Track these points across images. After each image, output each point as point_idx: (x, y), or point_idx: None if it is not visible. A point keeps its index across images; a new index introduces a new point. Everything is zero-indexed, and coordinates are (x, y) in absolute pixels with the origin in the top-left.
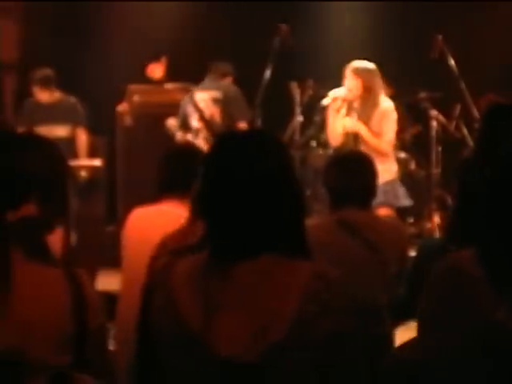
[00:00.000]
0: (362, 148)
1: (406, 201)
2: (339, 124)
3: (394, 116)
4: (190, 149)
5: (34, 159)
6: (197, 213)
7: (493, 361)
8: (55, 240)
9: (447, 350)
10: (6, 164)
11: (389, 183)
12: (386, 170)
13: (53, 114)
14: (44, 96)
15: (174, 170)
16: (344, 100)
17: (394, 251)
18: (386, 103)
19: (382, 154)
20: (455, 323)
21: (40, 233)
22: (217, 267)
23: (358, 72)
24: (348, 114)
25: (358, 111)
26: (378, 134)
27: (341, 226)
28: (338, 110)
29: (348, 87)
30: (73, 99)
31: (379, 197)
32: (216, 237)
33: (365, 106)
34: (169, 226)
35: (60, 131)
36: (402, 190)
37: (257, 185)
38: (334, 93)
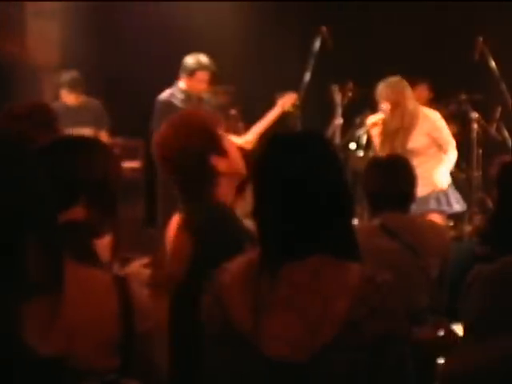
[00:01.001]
0: (415, 159)
1: (458, 206)
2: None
3: (442, 122)
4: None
5: (86, 162)
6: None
7: None
8: (103, 244)
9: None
10: (57, 166)
11: (441, 190)
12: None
13: (78, 116)
14: (70, 99)
15: None
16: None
17: (435, 255)
18: (431, 114)
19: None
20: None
21: (89, 236)
22: (266, 267)
23: (390, 90)
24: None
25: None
26: (438, 146)
27: (383, 231)
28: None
29: (385, 110)
30: (96, 102)
31: (432, 203)
32: (266, 237)
33: (397, 123)
34: None
35: (84, 134)
36: (454, 196)
37: (308, 186)
38: (372, 119)
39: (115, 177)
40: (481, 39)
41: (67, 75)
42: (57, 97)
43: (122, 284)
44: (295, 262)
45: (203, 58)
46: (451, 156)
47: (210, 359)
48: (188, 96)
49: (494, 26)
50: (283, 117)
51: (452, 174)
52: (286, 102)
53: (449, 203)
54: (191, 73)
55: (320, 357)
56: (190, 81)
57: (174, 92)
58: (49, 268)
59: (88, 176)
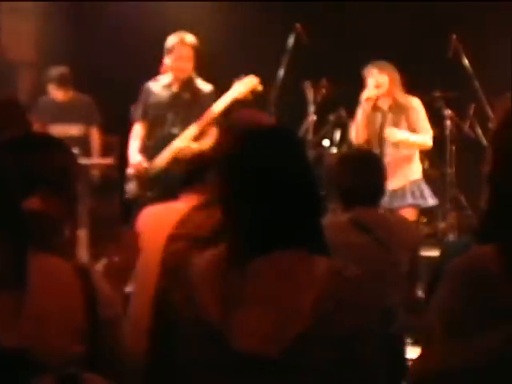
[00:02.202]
0: (388, 145)
1: (432, 200)
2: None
3: (424, 113)
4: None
5: (43, 160)
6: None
7: None
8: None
9: (478, 356)
10: (14, 163)
11: (415, 183)
12: (412, 170)
13: (67, 112)
14: (59, 94)
15: (191, 168)
16: (376, 99)
17: (405, 251)
18: (414, 100)
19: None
20: (480, 326)
21: (48, 227)
22: (236, 262)
23: (384, 68)
24: (374, 112)
25: (383, 111)
26: (414, 131)
27: (354, 225)
28: (369, 111)
29: (377, 83)
30: (87, 98)
31: (407, 198)
32: (235, 232)
33: (391, 104)
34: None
35: (74, 130)
36: (427, 190)
37: (276, 181)
38: (368, 93)
39: (73, 175)
40: (455, 37)
41: (55, 71)
42: (40, 93)
43: (84, 273)
44: (264, 256)
45: (185, 35)
46: (426, 138)
47: (182, 354)
48: (171, 83)
49: (468, 23)
50: (241, 102)
51: (426, 170)
52: (243, 86)
53: (423, 196)
54: (171, 50)
55: (290, 350)
56: (172, 60)
57: (161, 77)
58: (13, 261)
59: (45, 174)
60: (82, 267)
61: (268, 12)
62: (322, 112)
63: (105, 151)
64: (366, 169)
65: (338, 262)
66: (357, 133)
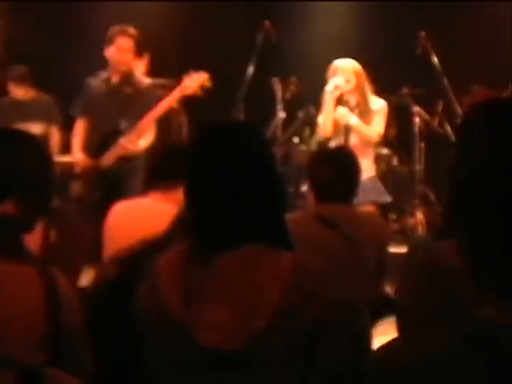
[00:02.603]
0: (352, 140)
1: (387, 197)
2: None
3: (384, 114)
4: (173, 142)
5: (19, 158)
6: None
7: (486, 360)
8: (35, 239)
9: (432, 351)
10: None
11: (370, 180)
12: (367, 167)
13: (27, 111)
14: (19, 93)
15: (157, 164)
16: (342, 90)
17: (372, 246)
18: (379, 101)
19: (367, 146)
20: (438, 321)
21: (17, 231)
22: (199, 257)
23: (353, 66)
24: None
25: (350, 106)
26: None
27: (318, 221)
28: (336, 99)
29: (346, 79)
30: (48, 97)
31: (362, 194)
32: (198, 226)
33: (358, 101)
34: (150, 220)
35: (34, 129)
36: (381, 187)
37: (237, 175)
38: (337, 81)
39: (48, 174)
40: (423, 34)
41: (15, 69)
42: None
43: (49, 279)
44: (227, 250)
45: (127, 27)
46: (373, 132)
47: (146, 349)
48: (110, 76)
49: (437, 21)
50: (189, 98)
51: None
52: (192, 82)
53: (378, 193)
54: (111, 40)
55: (254, 345)
56: (112, 51)
57: (101, 72)
58: None
59: (19, 173)
60: (47, 273)
61: (237, 8)
62: (291, 109)
63: (66, 150)
64: (341, 165)
65: (302, 256)
66: (324, 124)
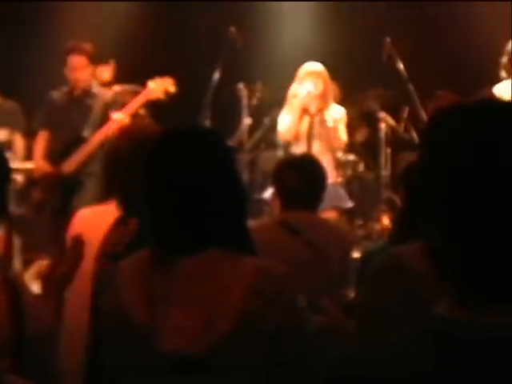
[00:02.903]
0: (315, 147)
1: (348, 203)
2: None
3: (345, 121)
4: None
5: None
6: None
7: (435, 353)
8: None
9: (387, 346)
10: None
11: (331, 186)
12: (329, 174)
13: None
14: None
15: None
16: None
17: (335, 252)
18: (339, 108)
19: (330, 152)
20: (396, 320)
21: None
22: (161, 262)
23: (322, 72)
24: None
25: (308, 112)
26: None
27: (282, 227)
28: (304, 106)
29: (315, 85)
30: (12, 103)
31: (329, 199)
32: (160, 232)
33: (321, 107)
34: (106, 226)
35: None
36: (343, 192)
37: (199, 181)
38: (309, 87)
39: (4, 179)
40: (388, 40)
41: None
42: None
43: (12, 285)
44: (189, 255)
45: (78, 43)
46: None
47: (110, 357)
48: (71, 89)
49: (404, 27)
50: (154, 103)
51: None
52: (156, 87)
53: (340, 198)
54: (64, 59)
55: (217, 350)
56: (67, 71)
57: (63, 87)
58: None
59: None
60: (10, 280)
61: (202, 14)
62: (257, 115)
63: (30, 156)
64: (307, 173)
65: (264, 261)
66: (287, 129)
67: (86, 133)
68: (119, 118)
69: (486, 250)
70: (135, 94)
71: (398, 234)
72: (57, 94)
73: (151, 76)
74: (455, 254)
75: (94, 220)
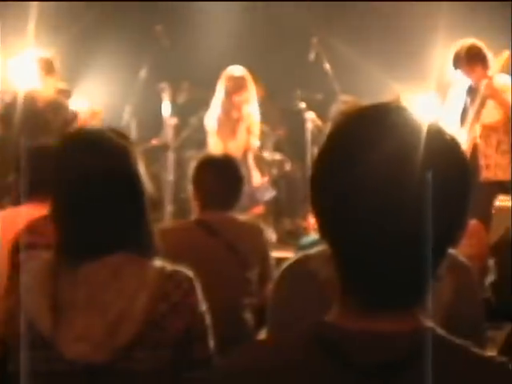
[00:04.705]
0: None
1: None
2: None
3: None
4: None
5: None
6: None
7: (326, 361)
8: None
9: (279, 350)
10: None
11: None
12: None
13: None
14: None
15: (33, 172)
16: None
17: (254, 252)
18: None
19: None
20: (292, 324)
21: None
22: (65, 267)
23: (242, 77)
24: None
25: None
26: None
27: (199, 227)
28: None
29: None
30: None
31: (257, 195)
32: (63, 236)
33: (243, 113)
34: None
35: None
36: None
37: (101, 185)
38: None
39: None
40: (316, 40)
41: None
42: None
43: None
44: (93, 260)
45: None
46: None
47: (15, 360)
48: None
49: (332, 26)
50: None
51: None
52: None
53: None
54: None
55: (122, 356)
56: None
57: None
58: None
59: None
60: None
61: (127, 13)
62: (184, 115)
63: None
64: (225, 173)
65: (171, 266)
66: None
67: None
68: None
69: (362, 254)
70: (66, 93)
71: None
72: None
73: (77, 76)
74: (336, 257)
75: (6, 222)
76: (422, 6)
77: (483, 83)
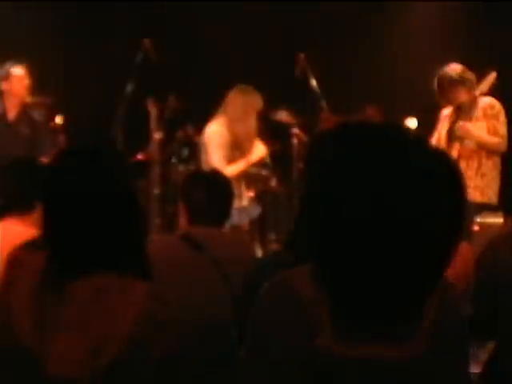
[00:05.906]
0: None
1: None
2: None
3: None
4: (31, 163)
5: None
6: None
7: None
8: None
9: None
10: None
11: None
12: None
13: None
14: None
15: (14, 186)
16: None
17: (240, 269)
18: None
19: None
20: (278, 349)
21: None
22: (53, 284)
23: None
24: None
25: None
26: None
27: (184, 242)
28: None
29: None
30: None
31: (241, 217)
32: (52, 254)
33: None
34: (5, 243)
35: None
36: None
37: (94, 202)
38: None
39: None
40: (302, 55)
41: None
42: None
43: None
44: (80, 280)
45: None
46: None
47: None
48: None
49: (315, 41)
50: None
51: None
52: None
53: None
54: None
55: (104, 375)
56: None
57: None
58: None
59: None
60: None
61: (116, 26)
62: (170, 128)
63: None
64: (215, 189)
65: (157, 286)
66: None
67: None
68: None
69: (355, 279)
70: (48, 106)
71: (291, 242)
72: None
73: (69, 87)
74: (327, 280)
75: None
76: (407, 20)
77: (457, 127)
